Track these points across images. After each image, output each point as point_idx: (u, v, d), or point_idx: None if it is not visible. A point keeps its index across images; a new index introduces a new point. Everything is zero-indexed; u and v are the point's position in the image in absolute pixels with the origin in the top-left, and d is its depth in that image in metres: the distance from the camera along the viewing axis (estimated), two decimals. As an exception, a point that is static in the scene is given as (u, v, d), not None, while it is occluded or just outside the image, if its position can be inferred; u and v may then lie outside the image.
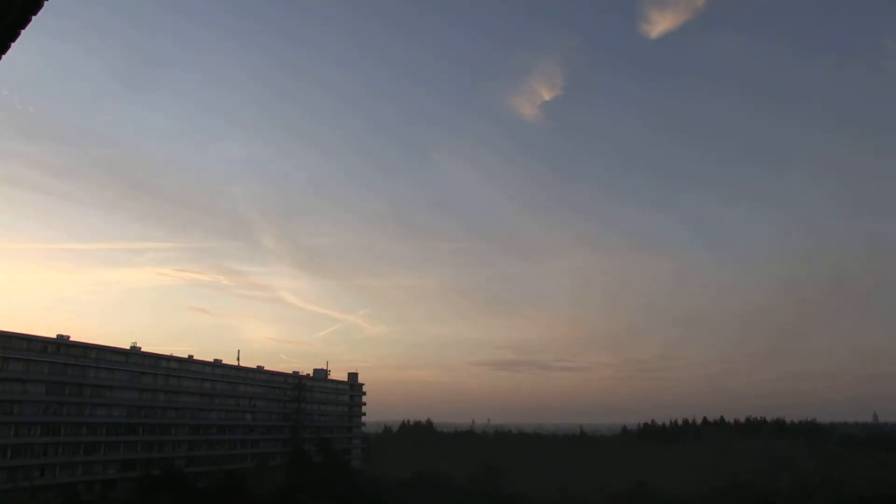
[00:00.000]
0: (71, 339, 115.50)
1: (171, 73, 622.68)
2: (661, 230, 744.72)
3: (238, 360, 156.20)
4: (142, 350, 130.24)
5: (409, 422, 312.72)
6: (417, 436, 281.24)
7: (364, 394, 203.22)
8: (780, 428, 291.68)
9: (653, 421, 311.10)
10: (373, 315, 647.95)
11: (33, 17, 7.26)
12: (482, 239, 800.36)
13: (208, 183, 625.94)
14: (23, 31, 7.36)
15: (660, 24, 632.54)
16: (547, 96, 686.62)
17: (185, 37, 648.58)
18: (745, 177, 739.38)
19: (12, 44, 7.48)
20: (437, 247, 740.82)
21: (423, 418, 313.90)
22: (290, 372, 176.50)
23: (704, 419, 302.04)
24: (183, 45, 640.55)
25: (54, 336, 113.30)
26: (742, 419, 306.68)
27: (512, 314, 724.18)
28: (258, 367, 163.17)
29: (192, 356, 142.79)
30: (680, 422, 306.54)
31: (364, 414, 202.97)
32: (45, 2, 7.12)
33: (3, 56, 7.65)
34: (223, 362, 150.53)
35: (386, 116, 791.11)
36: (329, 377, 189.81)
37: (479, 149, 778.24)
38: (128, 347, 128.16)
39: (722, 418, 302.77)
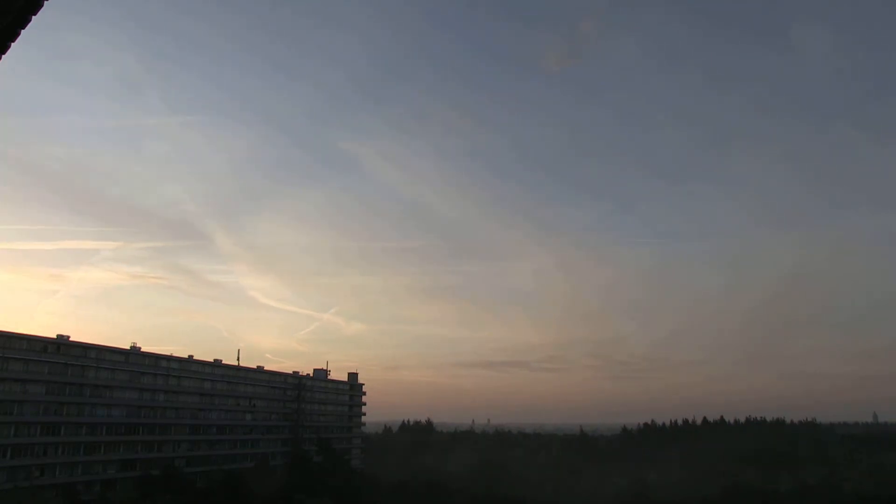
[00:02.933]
0: (71, 339, 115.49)
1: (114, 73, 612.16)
2: (649, 226, 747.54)
3: (238, 360, 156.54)
4: (141, 350, 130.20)
5: (409, 422, 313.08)
6: (417, 436, 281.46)
7: (364, 394, 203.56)
8: (780, 428, 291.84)
9: (653, 421, 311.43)
10: (345, 314, 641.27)
11: (33, 18, 7.26)
12: (443, 238, 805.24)
13: (150, 182, 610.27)
14: (23, 31, 7.37)
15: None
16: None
17: (150, 45, 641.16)
18: (734, 168, 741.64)
19: (12, 44, 7.49)
20: (392, 246, 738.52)
21: (418, 418, 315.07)
22: (290, 372, 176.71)
23: (704, 419, 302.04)
24: (146, 51, 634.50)
25: (54, 336, 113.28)
26: (742, 419, 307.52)
27: (490, 315, 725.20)
28: (258, 367, 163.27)
29: (191, 356, 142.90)
30: (680, 422, 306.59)
31: (364, 414, 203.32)
32: (45, 2, 7.12)
33: (3, 56, 7.65)
34: (223, 362, 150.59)
35: (327, 115, 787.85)
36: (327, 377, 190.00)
37: (422, 149, 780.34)
38: (127, 347, 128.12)
39: (722, 418, 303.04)
